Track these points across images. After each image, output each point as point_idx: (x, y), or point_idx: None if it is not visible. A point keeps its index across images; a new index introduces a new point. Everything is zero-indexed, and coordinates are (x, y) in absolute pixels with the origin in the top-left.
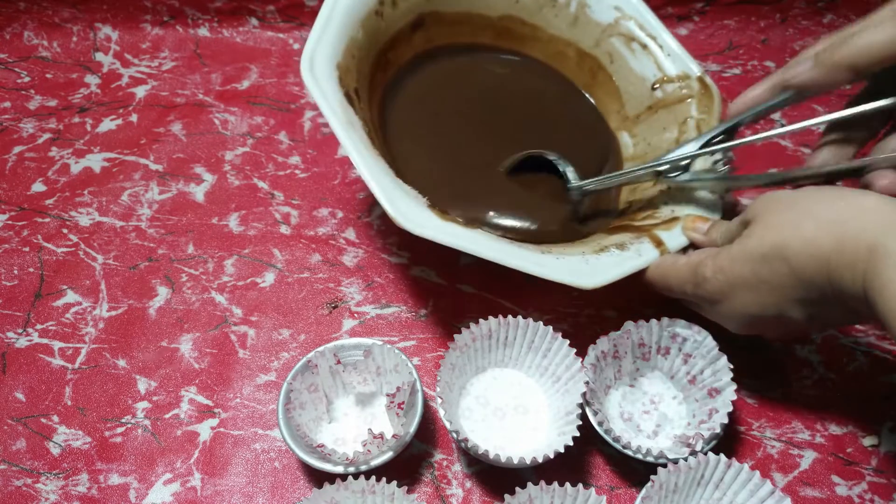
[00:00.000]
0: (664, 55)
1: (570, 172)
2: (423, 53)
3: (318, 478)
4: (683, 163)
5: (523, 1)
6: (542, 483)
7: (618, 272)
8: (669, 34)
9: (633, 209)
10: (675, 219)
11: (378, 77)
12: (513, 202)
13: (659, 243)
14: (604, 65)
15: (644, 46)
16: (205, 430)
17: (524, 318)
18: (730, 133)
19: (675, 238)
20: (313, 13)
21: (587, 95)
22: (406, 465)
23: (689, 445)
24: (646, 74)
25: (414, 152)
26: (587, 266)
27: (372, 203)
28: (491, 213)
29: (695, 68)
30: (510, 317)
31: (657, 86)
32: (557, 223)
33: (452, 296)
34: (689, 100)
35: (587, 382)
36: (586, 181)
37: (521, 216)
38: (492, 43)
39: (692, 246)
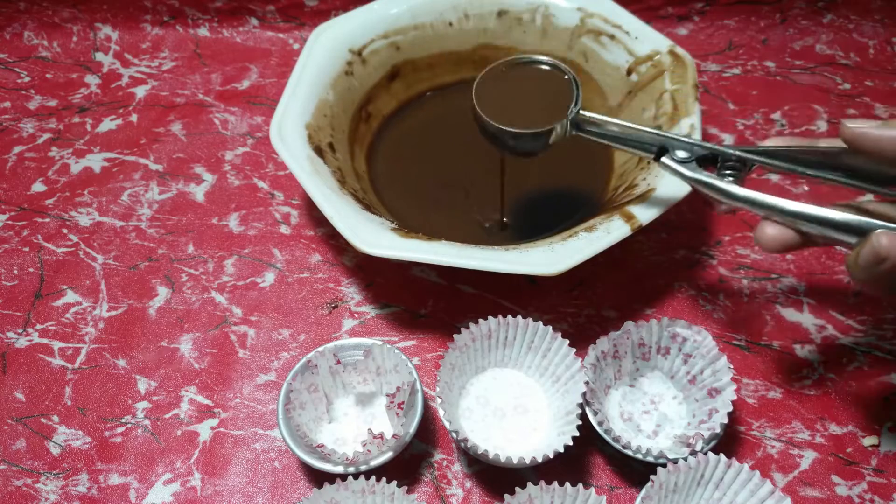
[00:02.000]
0: (632, 39)
1: (578, 99)
2: (408, 101)
3: (318, 478)
4: (688, 151)
5: (491, 29)
6: (542, 483)
7: (586, 253)
8: (634, 17)
9: (615, 194)
10: (650, 191)
11: (361, 128)
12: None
13: (629, 217)
14: (580, 65)
15: (612, 37)
16: (205, 430)
17: (524, 318)
18: (747, 162)
19: (646, 210)
20: (313, 13)
21: None
22: (406, 465)
23: (689, 445)
24: (619, 63)
25: (398, 194)
26: (553, 254)
27: None
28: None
29: (664, 43)
30: (510, 317)
31: (631, 70)
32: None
33: (452, 296)
34: (663, 74)
35: (587, 382)
36: (593, 115)
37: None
38: (474, 76)
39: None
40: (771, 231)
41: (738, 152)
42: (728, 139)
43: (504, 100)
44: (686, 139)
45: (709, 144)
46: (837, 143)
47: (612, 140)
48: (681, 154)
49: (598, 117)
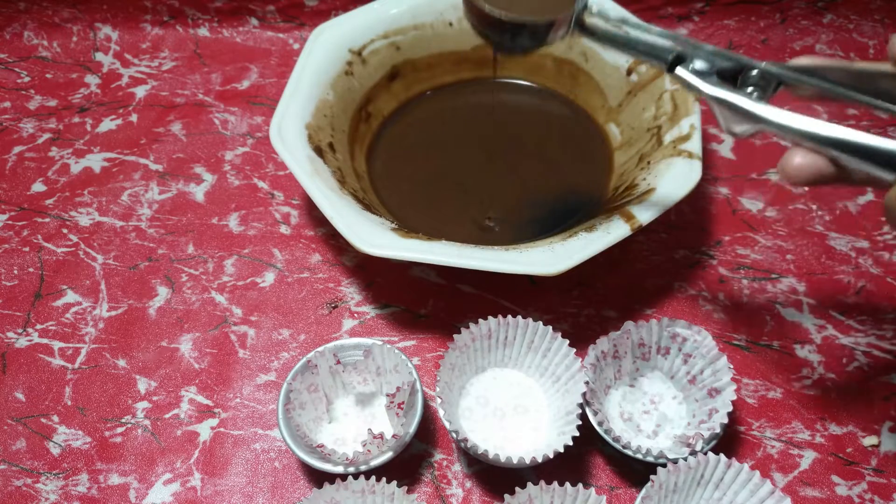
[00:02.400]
0: None
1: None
2: (408, 101)
3: (318, 478)
4: (708, 62)
5: None
6: (542, 483)
7: (586, 253)
8: (633, 17)
9: (615, 194)
10: (650, 191)
11: (361, 128)
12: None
13: (629, 217)
14: (580, 65)
15: None
16: (205, 430)
17: (524, 318)
18: (774, 80)
19: (646, 210)
20: (313, 13)
21: (572, 99)
22: (406, 465)
23: (689, 445)
24: (619, 63)
25: (398, 194)
26: (552, 254)
27: None
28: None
29: None
30: (510, 317)
31: (631, 70)
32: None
33: (452, 296)
34: (663, 74)
35: (587, 382)
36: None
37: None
38: (474, 76)
39: None
40: (800, 160)
41: (764, 66)
42: (728, 139)
43: None
44: (708, 46)
45: (734, 54)
46: (877, 65)
47: (621, 45)
48: (699, 65)
49: (603, 23)
